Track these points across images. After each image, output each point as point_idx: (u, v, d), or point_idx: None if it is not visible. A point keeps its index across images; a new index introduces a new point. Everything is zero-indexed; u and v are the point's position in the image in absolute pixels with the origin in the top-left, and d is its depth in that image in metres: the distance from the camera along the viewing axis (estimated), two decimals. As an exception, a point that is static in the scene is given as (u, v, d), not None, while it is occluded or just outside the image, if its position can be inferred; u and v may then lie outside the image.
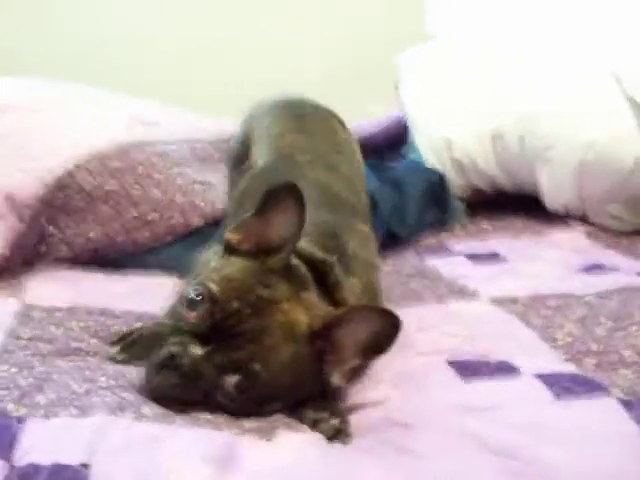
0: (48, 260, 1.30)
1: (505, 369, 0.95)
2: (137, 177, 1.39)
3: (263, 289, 0.82)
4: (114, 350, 0.95)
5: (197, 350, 0.79)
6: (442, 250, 1.55)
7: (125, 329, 1.02)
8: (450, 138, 1.65)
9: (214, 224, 1.40)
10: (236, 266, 0.85)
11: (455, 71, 1.75)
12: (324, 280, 0.91)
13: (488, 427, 0.80)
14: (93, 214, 1.33)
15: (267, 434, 0.78)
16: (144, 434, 0.74)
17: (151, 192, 1.39)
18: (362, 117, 1.84)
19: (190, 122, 1.84)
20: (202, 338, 0.79)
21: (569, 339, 1.06)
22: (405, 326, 0.82)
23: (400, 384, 0.91)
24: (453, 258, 1.49)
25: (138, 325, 1.03)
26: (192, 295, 0.81)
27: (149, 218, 1.38)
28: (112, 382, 0.84)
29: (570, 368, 0.96)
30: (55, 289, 1.19)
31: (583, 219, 1.69)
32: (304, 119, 1.35)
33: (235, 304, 0.79)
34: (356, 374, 0.85)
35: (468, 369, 0.96)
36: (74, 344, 0.98)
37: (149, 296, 1.18)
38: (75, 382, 0.83)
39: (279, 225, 0.85)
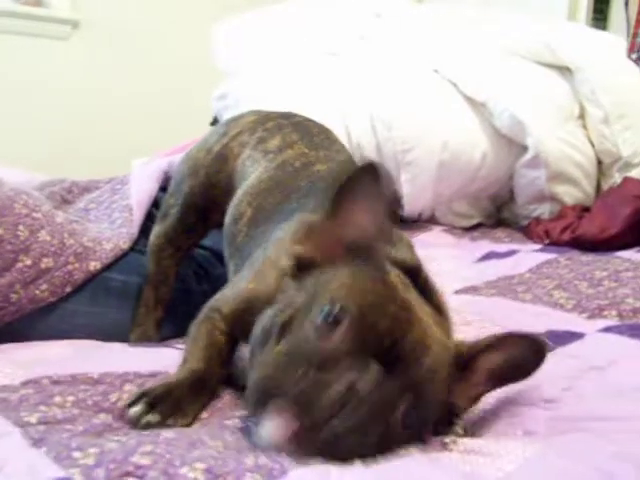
0: None
1: (569, 336, 0.94)
2: (17, 217, 1.08)
3: (394, 300, 0.66)
4: (137, 410, 0.68)
5: (376, 366, 0.62)
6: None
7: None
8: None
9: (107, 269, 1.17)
10: (341, 277, 0.68)
11: (298, 91, 1.72)
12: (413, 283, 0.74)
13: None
14: (-23, 268, 0.99)
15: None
16: None
17: (39, 234, 1.09)
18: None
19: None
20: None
21: (572, 302, 1.09)
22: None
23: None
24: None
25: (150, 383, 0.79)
26: (324, 315, 0.64)
27: (43, 266, 1.08)
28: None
29: (611, 321, 1.00)
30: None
31: (430, 220, 1.77)
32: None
33: (383, 322, 0.64)
34: (480, 397, 0.75)
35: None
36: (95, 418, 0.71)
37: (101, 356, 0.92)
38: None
39: (361, 221, 0.69)
